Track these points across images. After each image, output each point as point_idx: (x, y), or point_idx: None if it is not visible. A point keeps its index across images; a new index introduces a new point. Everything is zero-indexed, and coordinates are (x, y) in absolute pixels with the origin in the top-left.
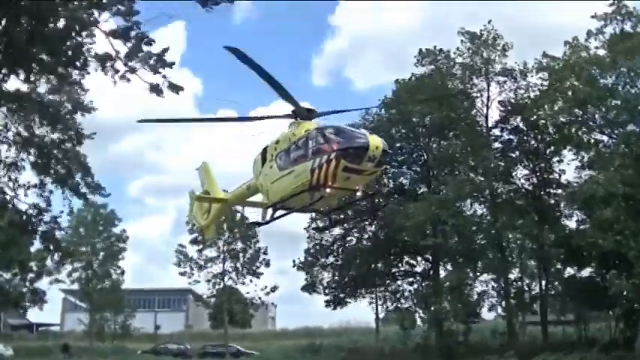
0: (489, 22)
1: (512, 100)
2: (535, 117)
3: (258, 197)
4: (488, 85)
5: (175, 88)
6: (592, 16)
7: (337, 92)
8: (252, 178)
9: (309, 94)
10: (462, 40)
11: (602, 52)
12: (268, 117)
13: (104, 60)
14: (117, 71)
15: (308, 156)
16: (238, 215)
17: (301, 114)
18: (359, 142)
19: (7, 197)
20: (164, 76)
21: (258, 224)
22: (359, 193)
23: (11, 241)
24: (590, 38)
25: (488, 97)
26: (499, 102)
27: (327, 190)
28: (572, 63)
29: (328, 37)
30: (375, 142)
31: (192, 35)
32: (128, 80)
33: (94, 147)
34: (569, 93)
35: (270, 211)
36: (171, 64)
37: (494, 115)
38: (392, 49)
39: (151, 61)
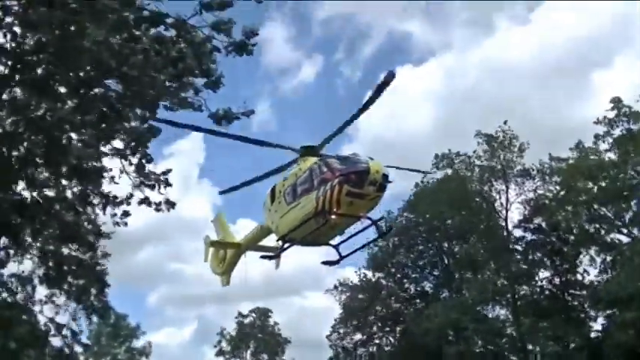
0: (505, 122)
1: (532, 201)
2: (555, 218)
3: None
4: (507, 187)
5: (169, 204)
6: (595, 122)
7: None
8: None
9: None
10: (478, 142)
11: (611, 154)
12: (279, 146)
13: (112, 201)
14: (126, 213)
15: (313, 187)
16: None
17: (312, 153)
18: (360, 167)
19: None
20: (161, 193)
21: (270, 257)
22: (365, 220)
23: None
24: (598, 141)
25: (507, 198)
26: (519, 203)
27: (333, 217)
28: (582, 167)
29: (345, 143)
30: (376, 166)
31: (210, 148)
32: (125, 224)
33: (112, 257)
34: (584, 195)
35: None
36: (169, 184)
37: (515, 215)
38: (406, 154)
39: (152, 180)
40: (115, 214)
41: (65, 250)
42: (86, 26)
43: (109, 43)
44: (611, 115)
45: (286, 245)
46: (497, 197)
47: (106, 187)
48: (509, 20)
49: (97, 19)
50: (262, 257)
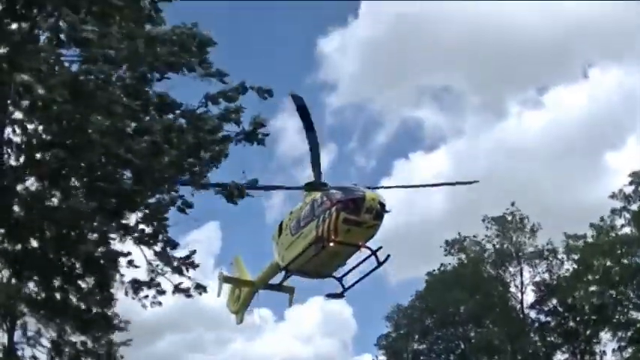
0: (512, 204)
1: (547, 281)
2: (570, 298)
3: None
4: (521, 269)
5: (200, 288)
6: (610, 196)
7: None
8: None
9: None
10: (487, 227)
11: (628, 229)
12: (285, 187)
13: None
14: (147, 296)
15: (314, 216)
16: None
17: (315, 187)
18: (356, 195)
19: None
20: (189, 278)
21: (271, 287)
22: (364, 250)
23: None
24: (615, 216)
25: (522, 281)
26: (533, 284)
27: (331, 244)
28: (600, 244)
29: None
30: (372, 194)
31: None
32: (160, 303)
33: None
34: (600, 274)
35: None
36: (196, 266)
37: (529, 297)
38: (415, 242)
39: (176, 264)
40: (147, 296)
41: (79, 339)
42: (91, 117)
43: (115, 132)
44: (629, 190)
45: (288, 274)
46: (512, 280)
47: (127, 272)
48: (522, 104)
49: (104, 110)
50: (328, 296)
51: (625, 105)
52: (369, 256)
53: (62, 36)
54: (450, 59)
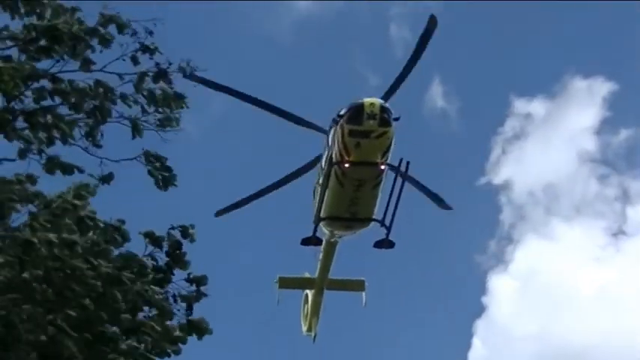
0: None
1: None
2: None
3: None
4: None
5: None
6: None
7: None
8: None
9: None
10: None
11: None
12: (310, 125)
13: None
14: None
15: (328, 147)
16: None
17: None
18: (355, 104)
19: None
20: None
21: (338, 284)
22: (382, 167)
23: None
24: None
25: None
26: None
27: (346, 165)
28: None
29: None
30: (370, 100)
31: None
32: None
33: None
34: None
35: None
36: None
37: None
38: None
39: None
40: None
41: None
42: None
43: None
44: None
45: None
46: None
47: None
48: None
49: None
50: (376, 246)
51: None
52: (396, 176)
53: None
54: None
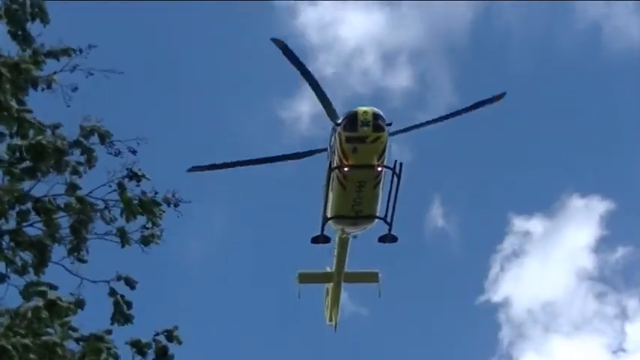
0: None
1: None
2: None
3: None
4: None
5: None
6: None
7: None
8: None
9: None
10: None
11: None
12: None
13: None
14: None
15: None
16: None
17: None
18: (349, 113)
19: None
20: None
21: (353, 277)
22: (379, 168)
23: None
24: None
25: None
26: None
27: (346, 169)
28: None
29: None
30: (364, 108)
31: None
32: None
33: None
34: None
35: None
36: None
37: None
38: None
39: None
40: None
41: None
42: None
43: None
44: None
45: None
46: None
47: None
48: None
49: None
50: (380, 240)
51: None
52: (393, 174)
53: None
54: None
